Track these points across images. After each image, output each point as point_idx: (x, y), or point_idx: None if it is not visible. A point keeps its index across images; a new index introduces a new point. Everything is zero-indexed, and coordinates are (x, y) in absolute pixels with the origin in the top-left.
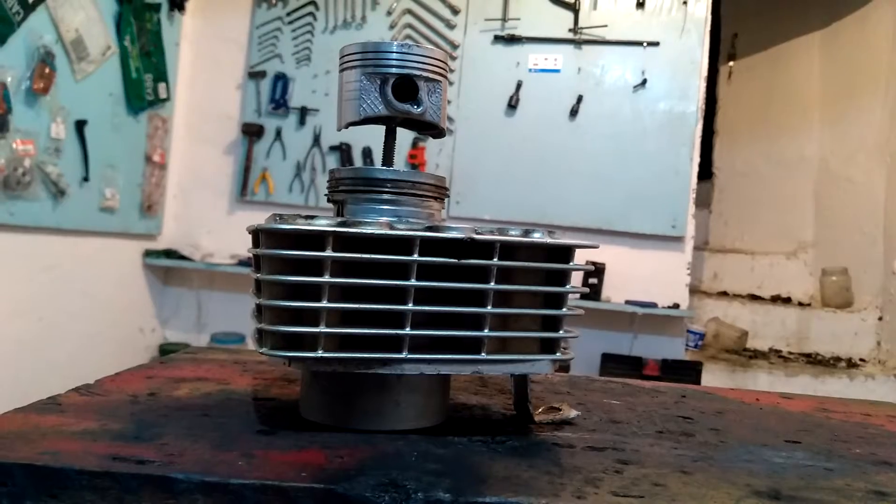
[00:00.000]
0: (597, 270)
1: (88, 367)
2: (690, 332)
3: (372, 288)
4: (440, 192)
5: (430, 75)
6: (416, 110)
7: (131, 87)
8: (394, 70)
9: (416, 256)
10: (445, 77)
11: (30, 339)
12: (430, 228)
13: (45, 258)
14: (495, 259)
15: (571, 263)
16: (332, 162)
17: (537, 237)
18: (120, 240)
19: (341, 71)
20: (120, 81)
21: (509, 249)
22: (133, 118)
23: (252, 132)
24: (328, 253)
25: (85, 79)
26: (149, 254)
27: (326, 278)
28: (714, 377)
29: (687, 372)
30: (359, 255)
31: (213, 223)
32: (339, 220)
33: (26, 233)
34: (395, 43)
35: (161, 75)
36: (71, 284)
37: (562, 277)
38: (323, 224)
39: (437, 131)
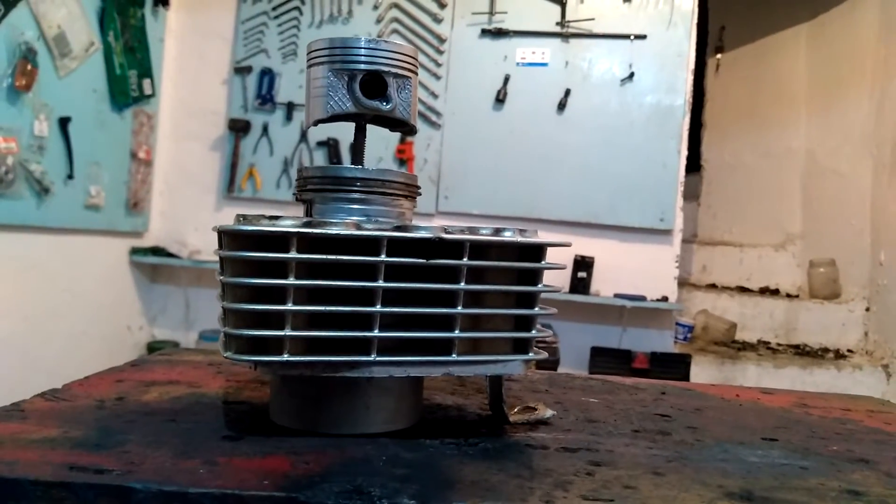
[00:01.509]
0: (585, 264)
1: (75, 367)
2: (679, 325)
3: (339, 290)
4: (411, 190)
5: (400, 71)
6: (385, 107)
7: (115, 83)
8: (362, 66)
9: (383, 257)
10: (415, 73)
11: (15, 338)
12: (398, 228)
13: (29, 257)
14: (465, 259)
15: (543, 262)
16: (320, 157)
17: (508, 236)
18: (106, 237)
19: (309, 67)
20: (104, 78)
21: (480, 248)
22: (118, 115)
23: (238, 128)
24: (292, 254)
25: (68, 75)
26: (135, 251)
27: (291, 280)
28: (703, 370)
29: (676, 365)
30: (323, 257)
31: (200, 220)
32: (304, 220)
33: (10, 232)
34: (363, 38)
35: (146, 71)
36: (56, 283)
37: (534, 276)
38: (287, 225)
39: (407, 128)
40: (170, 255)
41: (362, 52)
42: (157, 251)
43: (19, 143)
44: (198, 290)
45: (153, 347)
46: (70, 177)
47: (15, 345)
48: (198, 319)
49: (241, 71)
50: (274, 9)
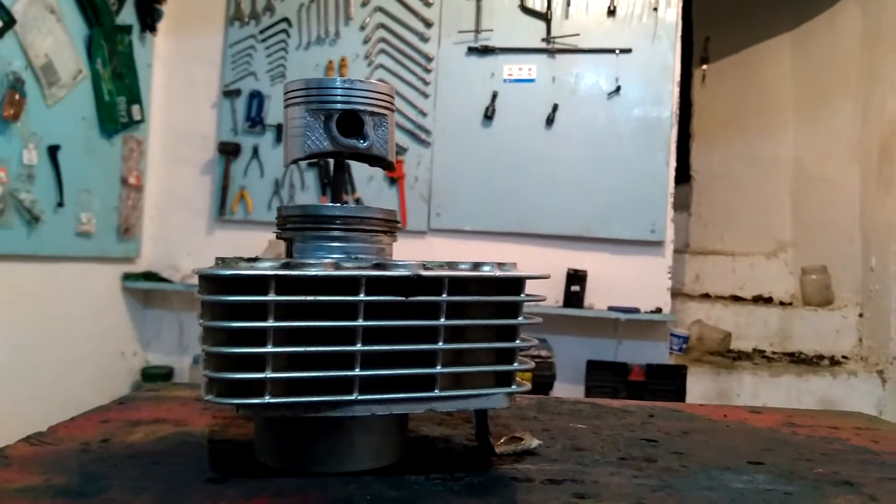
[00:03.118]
0: (578, 277)
1: (70, 394)
2: (674, 336)
3: (319, 330)
4: (390, 225)
5: (376, 109)
6: (361, 145)
7: (104, 109)
8: (338, 105)
9: (362, 296)
10: (391, 110)
11: (8, 368)
12: (376, 266)
13: (21, 286)
14: (444, 294)
15: (522, 295)
16: (311, 179)
17: (486, 270)
18: (98, 264)
19: (286, 107)
20: (92, 105)
21: (459, 284)
22: (107, 141)
23: (229, 151)
24: (270, 297)
25: (56, 104)
26: (128, 277)
27: (270, 323)
28: (699, 380)
29: (672, 376)
30: (301, 298)
31: (192, 244)
32: (282, 262)
33: (1, 261)
34: (339, 78)
35: (134, 97)
36: (49, 311)
37: (514, 309)
38: (265, 267)
39: (385, 164)
40: (162, 279)
41: (338, 91)
42: (149, 276)
43: (8, 173)
44: (191, 314)
45: (147, 373)
46: (60, 205)
47: (8, 374)
48: (191, 344)
49: (230, 94)
50: (261, 32)
